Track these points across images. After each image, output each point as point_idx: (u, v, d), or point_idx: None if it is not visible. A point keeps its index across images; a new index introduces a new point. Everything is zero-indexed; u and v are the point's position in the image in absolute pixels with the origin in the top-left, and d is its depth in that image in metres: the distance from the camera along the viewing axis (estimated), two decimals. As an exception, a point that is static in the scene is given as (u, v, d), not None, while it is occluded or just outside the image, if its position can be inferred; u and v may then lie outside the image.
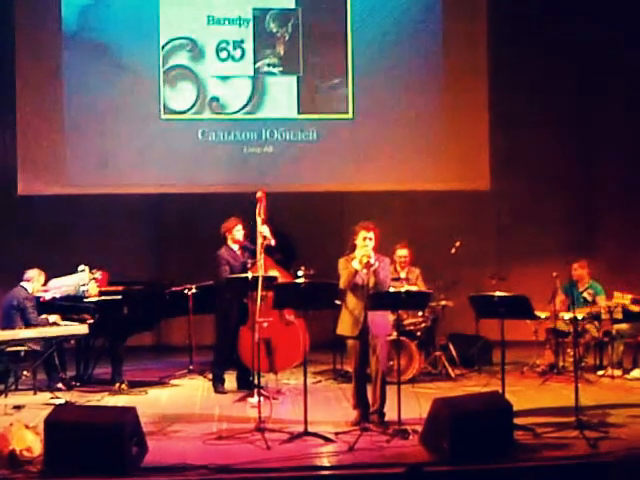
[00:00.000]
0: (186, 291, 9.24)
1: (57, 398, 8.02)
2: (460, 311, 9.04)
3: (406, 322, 8.89)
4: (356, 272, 6.95)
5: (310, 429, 6.64)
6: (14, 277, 8.87)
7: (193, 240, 11.09)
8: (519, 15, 11.44)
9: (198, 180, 11.35)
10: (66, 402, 7.85)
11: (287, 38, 11.40)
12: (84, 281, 8.74)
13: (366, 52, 11.47)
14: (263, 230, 8.30)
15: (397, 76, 11.48)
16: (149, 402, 8.10)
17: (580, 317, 8.86)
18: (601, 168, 11.79)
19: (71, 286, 8.79)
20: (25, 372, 8.43)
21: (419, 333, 9.05)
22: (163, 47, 11.30)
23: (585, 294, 9.33)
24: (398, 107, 11.48)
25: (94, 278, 8.76)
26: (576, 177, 11.79)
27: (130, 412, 6.18)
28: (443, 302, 9.24)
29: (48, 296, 8.79)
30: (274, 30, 11.40)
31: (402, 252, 9.44)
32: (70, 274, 8.88)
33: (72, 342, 8.92)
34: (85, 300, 8.66)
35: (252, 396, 7.87)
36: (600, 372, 9.12)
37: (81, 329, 8.37)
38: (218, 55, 11.38)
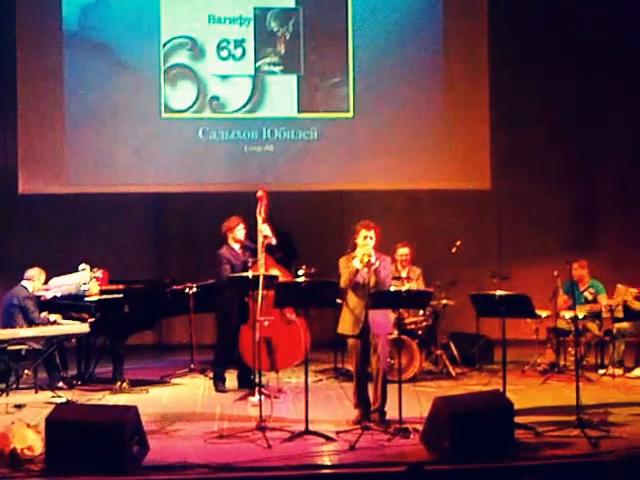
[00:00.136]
0: (187, 290, 9.24)
1: (58, 397, 8.02)
2: (461, 310, 9.06)
3: (407, 321, 8.89)
4: (357, 271, 6.95)
5: (311, 428, 6.64)
6: (14, 276, 8.89)
7: (193, 239, 11.12)
8: (520, 14, 11.44)
9: (199, 179, 11.34)
10: (67, 401, 7.84)
11: (288, 37, 11.39)
12: (85, 280, 8.75)
13: (367, 51, 11.46)
14: (264, 229, 8.29)
15: (398, 75, 11.47)
16: (150, 401, 8.09)
17: (581, 316, 8.86)
18: (602, 167, 11.79)
19: (72, 285, 8.79)
20: (26, 371, 8.43)
21: (420, 332, 9.05)
22: (164, 46, 11.29)
23: (586, 293, 9.33)
24: (399, 106, 11.47)
25: (95, 277, 8.76)
26: (577, 176, 11.79)
27: (131, 411, 6.17)
28: (444, 301, 9.24)
29: (49, 295, 8.80)
30: (275, 29, 11.39)
31: (403, 251, 9.44)
32: (71, 273, 8.89)
33: (73, 341, 8.93)
34: (86, 299, 8.66)
35: (253, 395, 7.87)
36: (601, 371, 9.12)
37: (82, 328, 8.37)
38: (219, 54, 11.37)
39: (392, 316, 7.42)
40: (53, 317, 8.54)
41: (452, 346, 9.45)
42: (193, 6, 11.36)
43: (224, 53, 11.37)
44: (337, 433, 6.69)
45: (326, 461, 6.17)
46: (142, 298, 8.95)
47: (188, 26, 11.35)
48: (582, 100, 11.67)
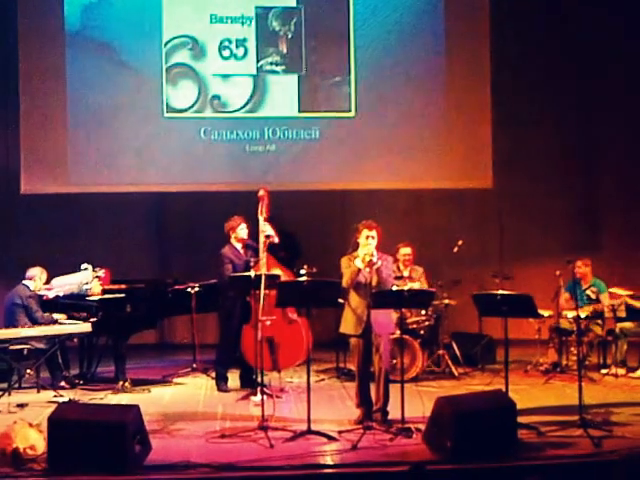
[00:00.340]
0: (189, 289, 9.23)
1: (60, 396, 8.03)
2: (463, 309, 9.06)
3: (409, 320, 8.89)
4: (359, 270, 6.94)
5: (313, 427, 6.64)
6: (16, 275, 8.89)
7: (195, 238, 11.10)
8: (521, 14, 11.44)
9: (200, 178, 11.33)
10: (69, 400, 7.85)
11: (290, 36, 11.39)
12: (87, 279, 8.76)
13: (368, 50, 11.45)
14: (265, 228, 8.30)
15: (399, 74, 11.47)
16: (152, 400, 8.10)
17: (583, 315, 8.85)
18: (602, 167, 11.80)
19: (74, 284, 8.80)
20: (28, 370, 8.42)
21: (422, 331, 9.04)
22: (165, 45, 11.29)
23: (589, 292, 9.32)
24: (400, 105, 11.46)
25: (97, 276, 8.77)
26: (578, 176, 11.80)
27: (133, 410, 6.17)
28: (446, 300, 9.23)
29: (51, 294, 8.81)
30: (277, 28, 11.39)
31: (405, 250, 9.43)
32: (72, 273, 8.89)
33: (75, 340, 8.93)
34: (88, 298, 8.67)
35: (255, 394, 7.87)
36: (604, 371, 9.12)
37: (84, 327, 8.36)
38: (221, 53, 11.36)
39: (394, 316, 7.42)
40: (57, 316, 8.54)
41: (454, 346, 9.44)
42: (195, 5, 11.35)
43: (226, 53, 11.36)
44: (339, 433, 6.69)
45: (328, 461, 6.17)
46: (144, 298, 8.94)
47: (190, 25, 11.34)
48: (583, 100, 11.69)
